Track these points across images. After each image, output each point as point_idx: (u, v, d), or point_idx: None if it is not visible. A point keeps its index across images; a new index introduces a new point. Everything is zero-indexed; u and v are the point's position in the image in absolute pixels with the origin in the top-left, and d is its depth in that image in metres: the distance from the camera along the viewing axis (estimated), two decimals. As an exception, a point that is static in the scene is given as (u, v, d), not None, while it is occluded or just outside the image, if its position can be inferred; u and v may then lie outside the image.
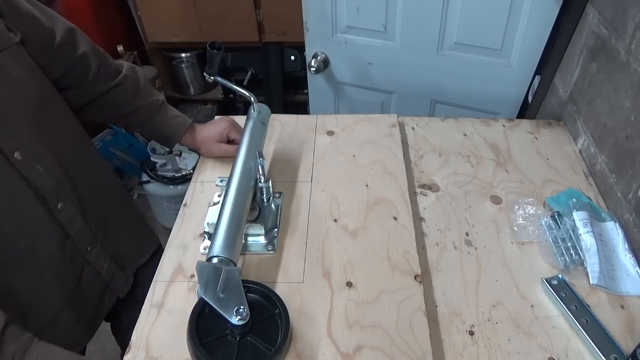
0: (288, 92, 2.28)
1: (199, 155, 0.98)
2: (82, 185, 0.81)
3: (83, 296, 0.83)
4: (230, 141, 0.96)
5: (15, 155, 0.68)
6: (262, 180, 0.78)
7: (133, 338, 0.65)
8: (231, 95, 2.32)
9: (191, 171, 1.92)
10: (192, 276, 0.73)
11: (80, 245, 0.79)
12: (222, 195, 0.75)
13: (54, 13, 0.80)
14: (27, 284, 0.72)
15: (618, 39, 0.85)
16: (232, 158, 0.82)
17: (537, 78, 1.17)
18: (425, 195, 0.89)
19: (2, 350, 0.58)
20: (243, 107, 2.33)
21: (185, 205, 0.86)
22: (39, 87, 0.75)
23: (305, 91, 2.16)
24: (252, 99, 0.86)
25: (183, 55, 2.25)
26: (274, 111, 0.95)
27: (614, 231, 0.79)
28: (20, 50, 0.73)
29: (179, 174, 1.97)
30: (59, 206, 0.75)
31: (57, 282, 0.77)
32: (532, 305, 0.71)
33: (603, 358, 0.63)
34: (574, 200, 0.83)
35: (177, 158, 1.98)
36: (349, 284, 0.72)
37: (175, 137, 0.94)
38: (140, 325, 0.67)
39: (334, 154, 0.96)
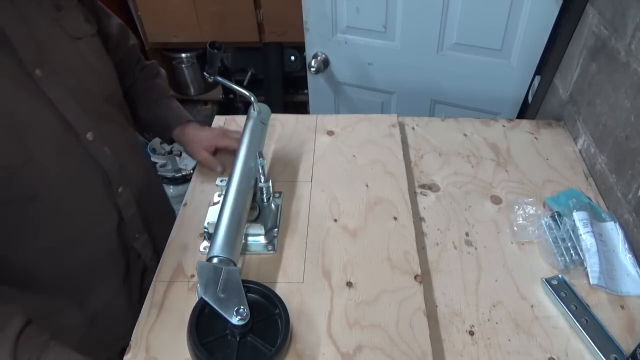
0: (288, 93, 2.28)
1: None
2: (136, 174, 0.86)
3: (131, 283, 0.86)
4: (217, 151, 0.95)
5: (87, 136, 0.72)
6: (262, 180, 0.78)
7: (133, 337, 0.65)
8: (231, 96, 2.32)
9: (191, 171, 1.92)
10: (192, 276, 0.73)
11: (130, 231, 0.83)
12: (222, 195, 0.75)
13: (106, 8, 0.87)
14: (83, 266, 0.74)
15: (618, 39, 0.85)
16: (231, 159, 0.82)
17: (537, 78, 1.17)
18: (425, 195, 0.89)
19: (16, 355, 0.58)
20: (243, 107, 2.33)
21: (185, 205, 0.86)
22: (109, 77, 0.81)
23: (305, 91, 2.16)
24: (252, 98, 0.86)
25: (183, 55, 2.25)
26: (274, 111, 0.95)
27: (614, 231, 0.79)
28: (96, 41, 0.78)
29: (179, 174, 1.98)
30: (119, 190, 0.80)
31: (110, 266, 0.79)
32: (532, 305, 0.71)
33: (603, 358, 0.63)
34: (574, 200, 0.83)
35: (177, 158, 1.98)
36: (349, 284, 0.72)
37: (173, 125, 0.94)
38: (140, 325, 0.67)
39: (334, 154, 0.96)
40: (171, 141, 0.98)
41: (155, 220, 0.91)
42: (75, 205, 0.73)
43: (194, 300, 0.63)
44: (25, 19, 0.64)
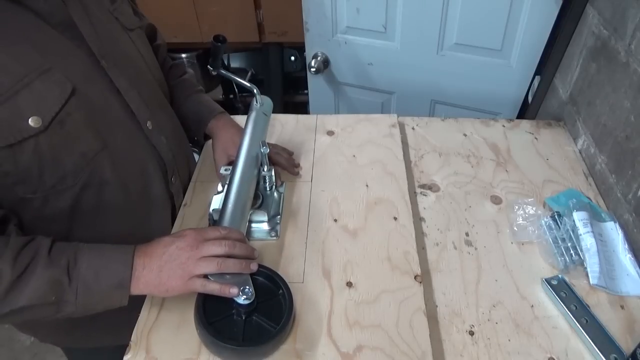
0: (288, 93, 2.28)
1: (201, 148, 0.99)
2: (184, 165, 0.89)
3: None
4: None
5: (147, 125, 0.75)
6: (266, 169, 0.80)
7: (133, 337, 0.65)
8: (231, 96, 2.32)
9: (191, 171, 1.92)
10: (192, 276, 0.73)
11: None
12: (227, 183, 0.77)
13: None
14: None
15: (618, 39, 0.85)
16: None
17: (537, 78, 1.17)
18: (425, 195, 0.89)
19: (54, 262, 0.59)
20: (243, 108, 2.33)
21: (185, 205, 0.86)
22: (158, 69, 0.85)
23: (305, 91, 2.15)
24: (255, 90, 0.87)
25: (183, 55, 2.24)
26: (274, 111, 0.95)
27: (614, 231, 0.79)
28: (143, 33, 0.82)
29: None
30: (172, 179, 0.82)
31: None
32: (532, 305, 0.71)
33: (603, 358, 0.63)
34: (574, 200, 0.83)
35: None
36: (349, 284, 0.72)
37: (206, 119, 0.92)
38: (140, 325, 0.67)
39: (334, 154, 0.96)
40: (205, 137, 0.96)
41: None
42: (139, 192, 0.75)
43: (194, 300, 0.64)
44: (88, 11, 0.67)
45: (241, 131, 0.91)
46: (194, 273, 0.62)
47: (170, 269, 0.62)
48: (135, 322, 0.66)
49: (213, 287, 0.62)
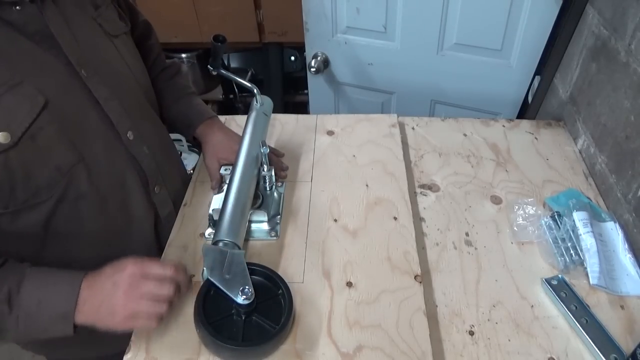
0: (288, 93, 2.28)
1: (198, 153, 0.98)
2: (172, 174, 0.87)
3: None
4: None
5: (128, 135, 0.73)
6: (265, 169, 0.80)
7: (133, 338, 0.65)
8: (231, 96, 2.32)
9: (191, 172, 1.92)
10: (193, 276, 0.73)
11: (166, 230, 0.82)
12: (227, 183, 0.77)
13: (133, 4, 0.88)
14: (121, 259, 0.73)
15: (618, 39, 0.85)
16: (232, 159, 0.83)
17: (537, 78, 1.17)
18: (425, 195, 0.89)
19: None
20: (243, 108, 2.33)
21: (185, 205, 0.86)
22: (143, 73, 0.83)
23: (305, 92, 2.16)
24: (255, 90, 0.87)
25: (183, 55, 2.24)
26: (274, 111, 0.95)
27: (614, 231, 0.79)
28: (129, 38, 0.80)
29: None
30: (155, 189, 0.80)
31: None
32: (532, 305, 0.71)
33: (603, 358, 0.63)
34: (574, 200, 0.83)
35: (177, 158, 1.97)
36: (349, 284, 0.72)
37: (195, 123, 0.91)
38: (140, 325, 0.67)
39: (334, 154, 0.96)
40: (194, 140, 0.95)
41: None
42: (117, 204, 0.74)
43: (194, 300, 0.64)
44: (68, 20, 0.65)
45: (230, 135, 0.92)
46: (135, 311, 0.59)
47: (108, 306, 0.59)
48: (117, 336, 0.63)
49: (152, 325, 0.60)
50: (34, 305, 0.58)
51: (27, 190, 0.62)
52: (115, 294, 0.59)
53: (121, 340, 0.65)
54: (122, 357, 0.63)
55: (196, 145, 0.99)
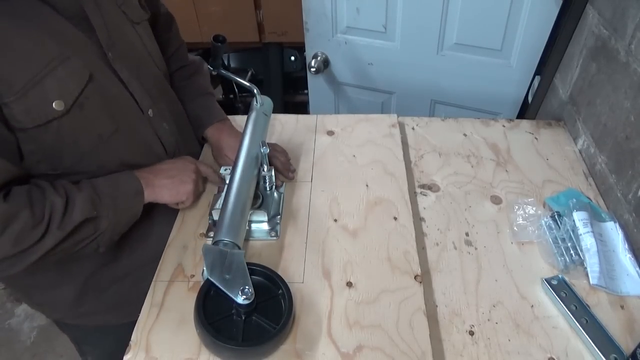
0: (288, 93, 2.28)
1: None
2: (190, 149, 0.94)
3: None
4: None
5: (149, 112, 0.80)
6: (265, 169, 0.80)
7: (133, 337, 0.65)
8: (231, 96, 2.32)
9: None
10: (192, 276, 0.73)
11: None
12: (227, 183, 0.77)
13: None
14: (144, 220, 0.79)
15: (618, 39, 0.85)
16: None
17: (537, 78, 1.17)
18: (425, 195, 0.89)
19: (82, 188, 0.67)
20: (243, 108, 2.33)
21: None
22: (160, 57, 0.88)
23: (305, 91, 2.15)
24: (255, 90, 0.88)
25: (183, 55, 2.25)
26: (274, 111, 0.95)
27: (614, 231, 0.79)
28: (149, 26, 0.86)
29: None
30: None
31: (166, 224, 0.83)
32: (532, 305, 0.71)
33: (603, 358, 0.63)
34: (574, 200, 0.83)
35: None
36: (349, 284, 0.72)
37: (205, 124, 0.96)
38: (140, 325, 0.67)
39: (334, 154, 0.96)
40: (204, 140, 0.98)
41: None
42: None
43: (194, 300, 0.64)
44: (99, 6, 0.71)
45: (239, 138, 0.91)
46: (198, 184, 0.81)
47: (183, 175, 0.78)
48: (139, 299, 0.70)
49: (213, 177, 0.85)
50: (112, 190, 0.70)
51: (73, 156, 0.70)
52: (188, 169, 0.80)
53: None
54: None
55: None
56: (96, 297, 0.85)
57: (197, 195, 0.82)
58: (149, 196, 0.74)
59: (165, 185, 0.76)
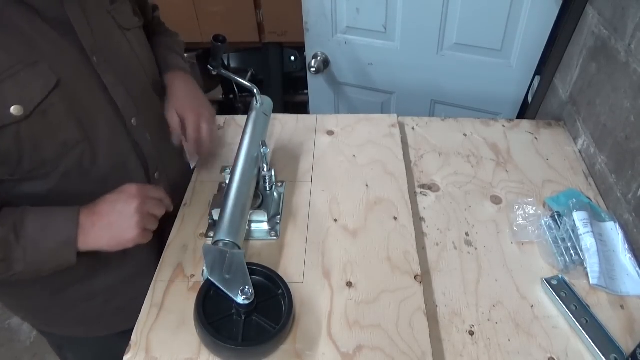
0: (288, 93, 2.28)
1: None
2: (172, 163, 0.91)
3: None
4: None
5: (132, 121, 0.77)
6: (265, 169, 0.80)
7: (133, 337, 0.65)
8: (231, 96, 2.32)
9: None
10: (192, 276, 0.73)
11: (164, 216, 0.81)
12: (227, 183, 0.77)
13: None
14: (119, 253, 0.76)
15: (618, 39, 0.85)
16: (232, 157, 0.83)
17: (537, 78, 1.17)
18: (425, 195, 0.89)
19: (1, 222, 0.62)
20: (243, 108, 2.33)
21: (185, 205, 0.86)
22: (152, 65, 0.86)
23: (306, 92, 2.16)
24: (255, 90, 0.88)
25: (183, 55, 2.25)
26: (274, 111, 0.95)
27: (614, 231, 0.79)
28: (142, 32, 0.84)
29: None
30: (155, 175, 0.84)
31: (144, 253, 0.82)
32: (532, 305, 0.71)
33: (603, 358, 0.63)
34: (574, 200, 0.83)
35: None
36: (349, 284, 0.72)
37: (163, 71, 0.90)
38: (140, 325, 0.67)
39: (334, 154, 0.96)
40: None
41: None
42: (117, 185, 0.75)
43: (194, 299, 0.64)
44: (85, 10, 0.69)
45: (193, 91, 0.90)
46: (146, 226, 0.67)
47: (123, 222, 0.66)
48: (107, 317, 0.68)
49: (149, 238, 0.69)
50: (38, 231, 0.63)
51: (34, 162, 0.66)
52: (129, 211, 0.66)
53: (114, 322, 0.70)
54: (130, 334, 0.65)
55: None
56: (64, 311, 0.83)
57: (147, 235, 0.69)
58: (85, 245, 0.65)
59: (103, 234, 0.66)
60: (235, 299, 0.62)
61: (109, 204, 0.67)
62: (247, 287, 0.62)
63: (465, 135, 1.03)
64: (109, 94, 0.72)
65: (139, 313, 0.68)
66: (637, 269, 0.74)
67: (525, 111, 1.24)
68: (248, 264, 0.66)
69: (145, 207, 0.68)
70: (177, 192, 0.88)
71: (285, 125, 1.05)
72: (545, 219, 0.81)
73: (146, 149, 0.80)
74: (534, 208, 0.83)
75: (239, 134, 0.87)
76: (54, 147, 0.66)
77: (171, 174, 0.90)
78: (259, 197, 0.81)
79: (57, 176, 0.69)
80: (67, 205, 0.71)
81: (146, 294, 0.71)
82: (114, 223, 0.66)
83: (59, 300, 0.81)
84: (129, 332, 0.66)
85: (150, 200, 0.69)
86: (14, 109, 0.60)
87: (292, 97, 2.30)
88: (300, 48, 2.02)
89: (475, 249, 0.79)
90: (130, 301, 0.81)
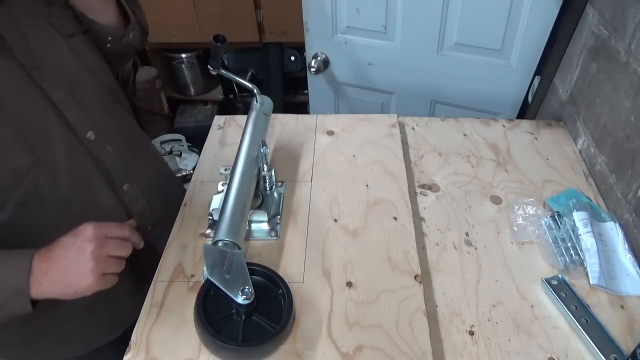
0: (288, 93, 2.28)
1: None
2: (144, 169, 0.85)
3: (142, 266, 0.81)
4: None
5: (88, 135, 0.71)
6: (265, 169, 0.80)
7: (133, 337, 0.65)
8: (231, 96, 2.32)
9: (191, 171, 1.92)
10: (192, 276, 0.73)
11: (141, 225, 0.80)
12: (227, 183, 0.77)
13: None
14: None
15: (618, 39, 0.85)
16: (232, 157, 0.83)
17: (537, 78, 1.17)
18: (425, 195, 0.89)
19: None
20: (243, 108, 2.33)
21: (185, 205, 0.86)
22: (104, 71, 0.80)
23: (305, 92, 2.16)
24: (255, 90, 0.88)
25: (183, 55, 2.25)
26: (273, 111, 0.95)
27: (614, 231, 0.79)
28: (86, 37, 0.76)
29: (179, 175, 1.98)
30: (124, 187, 0.79)
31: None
32: (532, 305, 0.71)
33: (603, 358, 0.63)
34: (574, 200, 0.83)
35: (177, 159, 1.98)
36: (349, 284, 0.72)
37: None
38: (140, 325, 0.67)
39: (334, 154, 0.96)
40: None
41: (174, 211, 0.87)
42: (82, 205, 0.73)
43: (194, 299, 0.64)
44: (18, 20, 0.63)
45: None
46: (105, 271, 0.60)
47: (78, 269, 0.59)
48: (87, 334, 0.65)
49: (114, 282, 0.62)
50: None
51: None
52: (83, 257, 0.59)
53: (94, 337, 0.65)
54: (98, 355, 0.63)
55: (197, 144, 0.97)
56: (41, 338, 0.78)
57: (107, 281, 0.62)
58: (38, 294, 0.59)
59: (57, 283, 0.59)
60: (235, 299, 0.62)
61: (64, 249, 0.60)
62: (247, 287, 0.62)
63: (465, 135, 1.03)
64: (59, 111, 0.67)
65: (125, 320, 0.67)
66: (637, 269, 0.74)
67: (525, 111, 1.24)
68: (248, 264, 0.66)
69: (102, 251, 0.60)
70: (159, 198, 0.85)
71: (285, 125, 1.05)
72: (545, 219, 0.81)
73: (109, 162, 0.75)
74: (534, 208, 0.83)
75: (239, 134, 0.87)
76: (3, 175, 0.61)
77: (146, 182, 0.85)
78: (259, 197, 0.81)
79: (13, 207, 0.64)
80: (30, 236, 0.67)
81: (126, 304, 0.69)
82: (67, 270, 0.59)
83: (33, 330, 0.76)
84: (114, 342, 0.64)
85: (110, 241, 0.62)
86: None
87: (292, 97, 2.31)
88: (300, 48, 2.02)
89: (475, 249, 0.79)
90: (111, 313, 0.79)
